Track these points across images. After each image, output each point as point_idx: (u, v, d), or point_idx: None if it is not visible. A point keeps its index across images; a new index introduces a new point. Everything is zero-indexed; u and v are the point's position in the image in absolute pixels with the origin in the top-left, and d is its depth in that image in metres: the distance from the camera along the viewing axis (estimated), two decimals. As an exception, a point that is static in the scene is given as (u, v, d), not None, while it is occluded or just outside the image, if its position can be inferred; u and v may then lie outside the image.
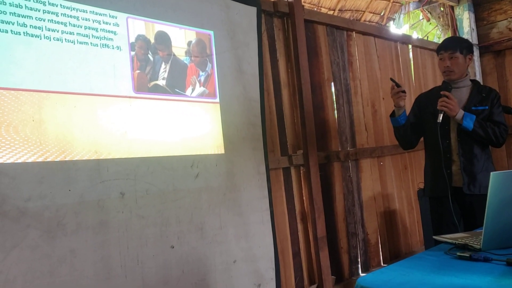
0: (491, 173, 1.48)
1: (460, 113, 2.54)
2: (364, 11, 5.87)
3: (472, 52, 2.73)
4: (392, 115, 2.78)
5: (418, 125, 2.83)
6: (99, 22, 2.12)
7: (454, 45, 2.68)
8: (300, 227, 3.17)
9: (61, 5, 1.99)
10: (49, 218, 1.87)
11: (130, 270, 2.08)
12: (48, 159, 1.89)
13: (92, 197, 2.00)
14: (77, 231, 1.94)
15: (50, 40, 1.95)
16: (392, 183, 4.07)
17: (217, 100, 2.57)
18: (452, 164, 2.65)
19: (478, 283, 1.27)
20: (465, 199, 2.61)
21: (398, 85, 2.68)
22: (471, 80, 2.77)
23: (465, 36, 5.07)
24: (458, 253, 1.57)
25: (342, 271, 3.47)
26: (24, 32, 1.87)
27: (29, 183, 1.83)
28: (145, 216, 2.16)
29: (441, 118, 2.54)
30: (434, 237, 2.00)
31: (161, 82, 2.32)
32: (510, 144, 5.11)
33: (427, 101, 2.82)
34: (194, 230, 2.35)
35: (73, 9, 2.03)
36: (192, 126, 2.42)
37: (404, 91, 2.68)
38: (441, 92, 2.57)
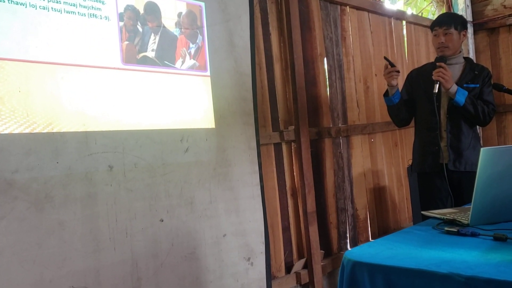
0: (481, 148, 1.48)
1: (454, 87, 2.53)
2: (358, -14, 5.79)
3: (466, 28, 2.72)
4: (386, 94, 2.77)
5: (411, 101, 2.83)
6: (86, -9, 2.06)
7: (449, 21, 2.66)
8: (290, 202, 3.18)
9: (47, -28, 1.93)
10: (37, 190, 1.85)
11: (119, 242, 2.08)
12: (35, 131, 1.86)
13: (80, 170, 1.98)
14: (65, 204, 1.92)
15: (36, 9, 1.90)
16: (382, 160, 4.09)
17: (208, 73, 2.53)
18: (440, 141, 2.66)
19: (465, 257, 1.29)
20: (453, 175, 2.63)
21: (392, 64, 2.65)
22: (464, 57, 2.76)
23: (460, 13, 5.02)
24: (446, 228, 1.58)
25: (330, 246, 3.51)
26: (8, -1, 1.82)
27: (16, 154, 1.80)
28: (133, 189, 2.15)
29: (437, 89, 2.53)
30: (422, 212, 2.01)
31: (150, 53, 2.28)
32: (500, 122, 5.13)
33: (419, 77, 2.81)
34: (184, 204, 2.34)
35: (60, -24, 1.97)
36: (181, 99, 2.38)
37: (398, 71, 2.66)
38: (437, 63, 2.56)
